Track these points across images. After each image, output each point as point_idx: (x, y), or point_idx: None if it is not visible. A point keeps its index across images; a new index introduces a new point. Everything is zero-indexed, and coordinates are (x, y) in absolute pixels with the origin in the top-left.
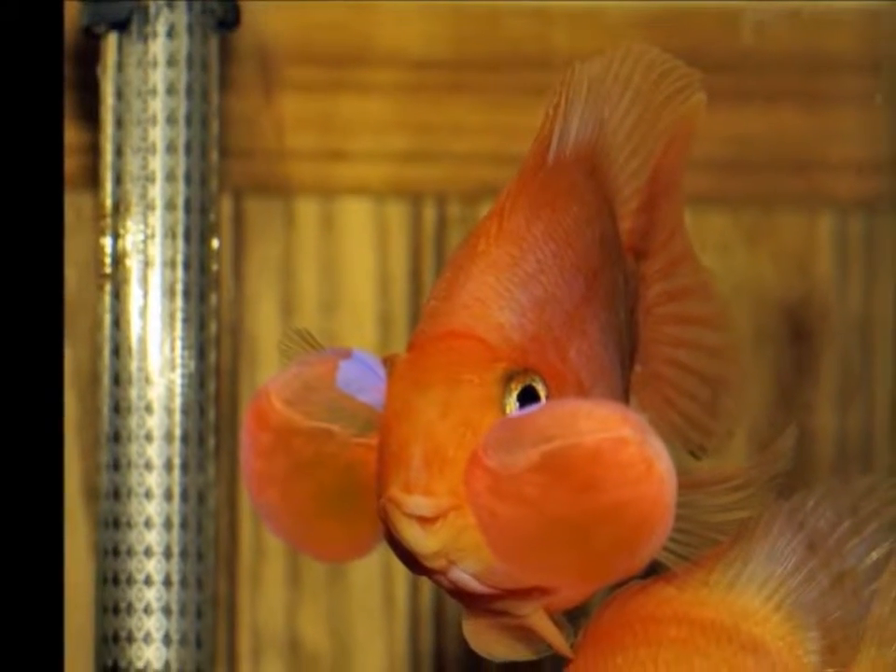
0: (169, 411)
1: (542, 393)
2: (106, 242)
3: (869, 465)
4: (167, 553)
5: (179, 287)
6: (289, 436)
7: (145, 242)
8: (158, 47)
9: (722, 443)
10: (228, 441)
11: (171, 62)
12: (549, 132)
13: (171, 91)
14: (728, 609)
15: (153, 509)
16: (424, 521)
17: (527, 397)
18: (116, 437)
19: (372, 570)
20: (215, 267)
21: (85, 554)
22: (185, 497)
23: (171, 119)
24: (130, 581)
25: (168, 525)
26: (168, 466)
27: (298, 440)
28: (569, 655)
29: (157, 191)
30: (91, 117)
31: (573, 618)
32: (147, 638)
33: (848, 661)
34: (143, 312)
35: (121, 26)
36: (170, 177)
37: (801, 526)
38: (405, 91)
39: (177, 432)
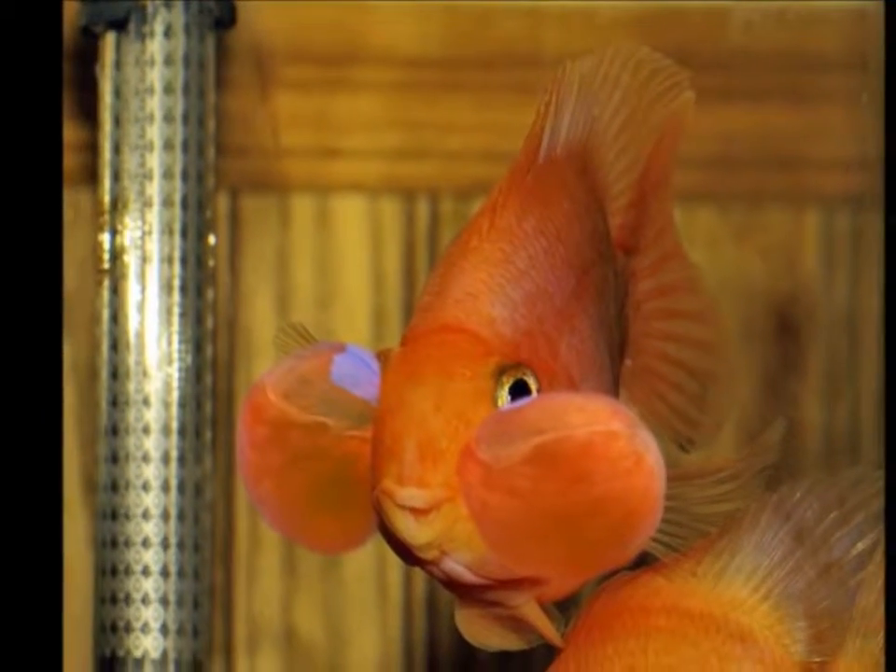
0: (166, 404)
1: (534, 387)
2: (105, 238)
3: (855, 457)
4: (164, 544)
5: (176, 283)
6: (285, 429)
7: (142, 238)
8: (155, 46)
9: (711, 436)
10: (224, 433)
11: (168, 60)
12: (540, 129)
13: (168, 89)
14: (716, 599)
15: (150, 500)
16: (417, 512)
17: (519, 390)
18: (114, 430)
19: (366, 561)
20: (211, 263)
21: (84, 545)
22: (182, 489)
23: (168, 117)
24: (128, 571)
25: (165, 516)
26: (165, 458)
27: (293, 433)
28: (560, 645)
29: (154, 188)
30: (89, 115)
31: (564, 608)
32: (145, 628)
33: (835, 650)
34: (140, 307)
35: (119, 25)
36: (167, 175)
37: (788, 518)
38: (398, 90)
39: (174, 425)
